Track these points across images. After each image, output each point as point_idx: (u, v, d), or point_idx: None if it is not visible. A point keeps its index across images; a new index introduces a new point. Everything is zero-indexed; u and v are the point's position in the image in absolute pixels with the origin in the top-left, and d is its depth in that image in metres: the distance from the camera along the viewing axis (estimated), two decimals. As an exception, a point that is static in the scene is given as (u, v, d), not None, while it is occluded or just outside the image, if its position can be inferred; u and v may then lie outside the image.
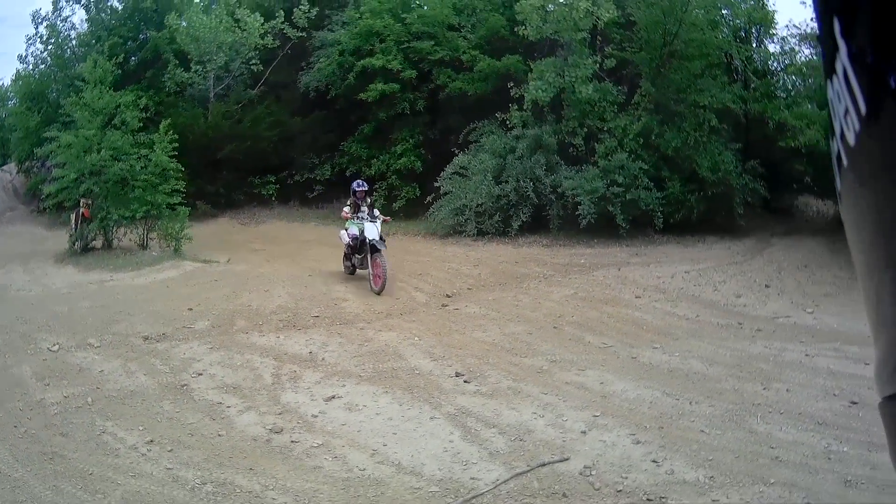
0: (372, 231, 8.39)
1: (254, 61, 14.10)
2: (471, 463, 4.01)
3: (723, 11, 13.07)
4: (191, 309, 7.43)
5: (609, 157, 11.60)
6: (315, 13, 13.92)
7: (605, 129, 11.92)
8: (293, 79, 13.95)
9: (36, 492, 3.78)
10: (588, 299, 8.59)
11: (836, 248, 12.01)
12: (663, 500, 3.74)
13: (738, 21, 13.17)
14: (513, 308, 8.08)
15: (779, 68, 12.84)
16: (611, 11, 12.12)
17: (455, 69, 12.74)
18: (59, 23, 16.04)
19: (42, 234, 13.43)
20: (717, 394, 5.34)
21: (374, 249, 8.35)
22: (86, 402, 4.98)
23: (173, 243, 10.77)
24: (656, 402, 5.17)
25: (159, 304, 7.79)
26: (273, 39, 14.04)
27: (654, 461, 4.17)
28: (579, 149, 11.97)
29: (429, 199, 12.08)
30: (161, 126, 11.06)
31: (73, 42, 16.28)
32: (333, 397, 5.01)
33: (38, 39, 16.03)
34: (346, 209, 8.81)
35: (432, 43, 12.68)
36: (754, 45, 12.95)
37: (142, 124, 11.46)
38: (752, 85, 12.39)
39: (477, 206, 11.66)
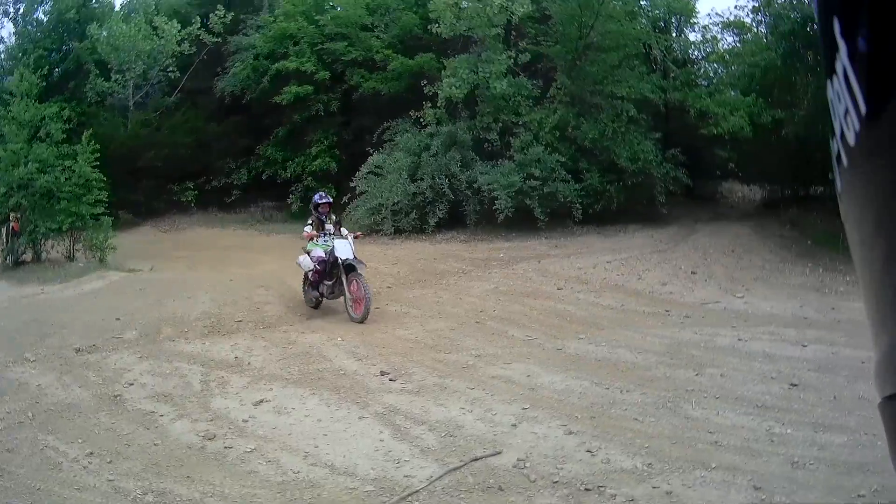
0: (344, 249, 7.14)
1: (171, 68, 13.89)
2: (403, 461, 3.98)
3: (641, 2, 13.02)
4: (119, 319, 7.37)
5: (525, 151, 11.42)
6: (230, 18, 13.74)
7: (521, 123, 11.74)
8: (209, 84, 13.74)
9: (-16, 511, 3.75)
10: (509, 293, 8.47)
11: (765, 233, 11.87)
12: (601, 488, 3.67)
13: (657, 11, 13.11)
14: (434, 305, 7.98)
15: (700, 57, 12.75)
16: (525, 6, 11.99)
17: (368, 69, 12.58)
18: (-12, 38, 15.87)
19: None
20: (648, 382, 5.25)
21: (350, 269, 7.13)
22: (27, 417, 4.94)
23: (98, 254, 10.68)
24: (586, 393, 5.09)
25: (89, 316, 7.71)
26: (190, 46, 13.83)
27: (588, 451, 4.11)
28: (494, 144, 11.79)
29: (345, 199, 11.83)
30: (83, 137, 10.95)
31: (2, 56, 16.07)
32: (262, 401, 4.96)
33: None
34: (309, 228, 7.51)
35: (346, 44, 12.52)
36: (674, 34, 12.86)
37: (65, 135, 11.32)
38: (672, 74, 12.28)
39: (393, 205, 11.47)
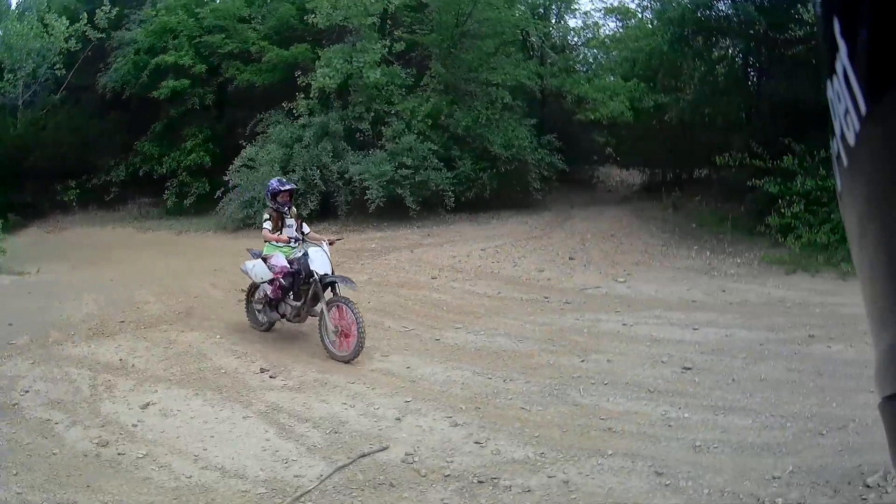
0: (321, 261, 5.66)
1: (58, 66, 13.74)
2: (291, 460, 3.93)
3: (521, -12, 12.93)
4: (11, 324, 7.20)
5: (397, 140, 11.31)
6: (115, 13, 13.61)
7: (393, 112, 11.63)
8: (93, 81, 13.60)
9: None
10: (384, 284, 8.41)
11: (645, 217, 11.76)
12: (495, 480, 3.61)
13: (537, -2, 13.04)
14: None
15: (580, 43, 12.66)
16: None
17: (244, 61, 12.47)
18: None
19: None
20: (532, 369, 5.19)
21: (330, 288, 5.69)
22: (-63, 430, 4.94)
23: (-10, 258, 10.46)
24: (468, 383, 5.03)
25: (-19, 322, 7.77)
26: (76, 42, 13.69)
27: (476, 442, 4.06)
28: (366, 133, 11.67)
29: (218, 193, 11.72)
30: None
31: None
32: (149, 404, 4.89)
33: None
34: (268, 225, 5.91)
35: (223, 36, 12.41)
36: (553, 20, 12.77)
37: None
38: (550, 60, 12.18)
39: (265, 198, 11.33)
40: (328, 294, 5.67)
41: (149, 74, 12.57)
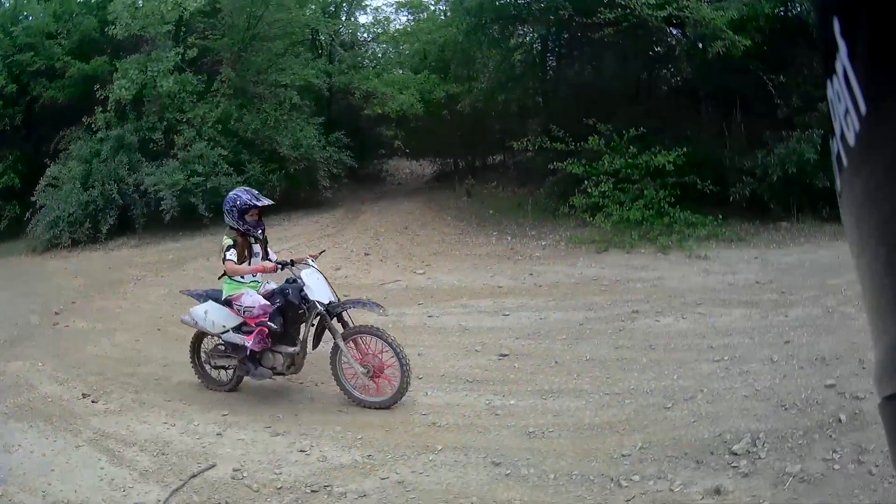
0: (319, 286, 4.58)
1: None
2: (128, 487, 3.87)
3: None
4: None
5: (188, 148, 11.54)
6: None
7: (185, 120, 11.85)
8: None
9: None
10: (182, 296, 8.79)
11: (439, 207, 11.84)
12: (328, 488, 3.60)
13: (328, -4, 12.96)
14: (116, 316, 7.94)
15: (369, 38, 12.62)
16: (198, 1, 11.99)
17: (49, 77, 12.71)
18: None
19: None
20: None
21: (337, 318, 4.63)
22: None
23: None
24: (281, 390, 5.00)
25: None
26: None
27: (301, 451, 4.04)
28: (159, 143, 11.91)
29: (27, 215, 12.03)
30: None
31: None
32: None
33: None
34: (232, 252, 4.57)
35: (32, 54, 12.66)
36: (344, 18, 12.72)
37: None
38: (338, 58, 12.21)
39: (69, 216, 11.57)
40: (337, 326, 4.60)
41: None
